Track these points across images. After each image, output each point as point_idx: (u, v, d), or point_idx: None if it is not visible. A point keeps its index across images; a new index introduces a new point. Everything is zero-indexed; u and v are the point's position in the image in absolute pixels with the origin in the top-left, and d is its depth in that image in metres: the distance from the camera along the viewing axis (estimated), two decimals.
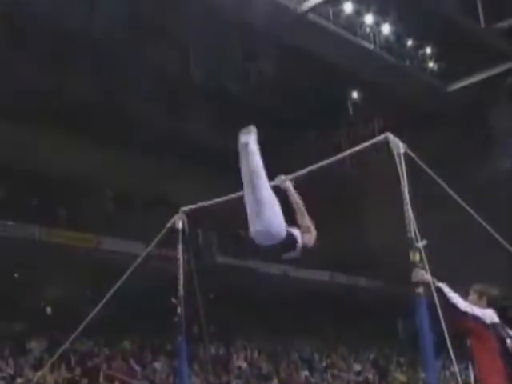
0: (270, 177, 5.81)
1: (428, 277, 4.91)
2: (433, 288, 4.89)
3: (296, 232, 5.82)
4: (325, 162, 6.04)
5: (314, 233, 6.07)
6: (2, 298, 18.08)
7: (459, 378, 5.03)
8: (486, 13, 23.05)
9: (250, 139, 5.48)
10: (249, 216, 5.54)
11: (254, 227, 5.51)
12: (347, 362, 22.85)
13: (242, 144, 5.51)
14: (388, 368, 23.17)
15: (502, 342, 5.31)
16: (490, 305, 5.54)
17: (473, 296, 5.59)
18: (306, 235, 5.95)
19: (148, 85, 21.47)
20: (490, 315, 5.38)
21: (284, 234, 5.58)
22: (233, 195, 6.56)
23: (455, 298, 5.29)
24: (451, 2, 22.83)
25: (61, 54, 20.00)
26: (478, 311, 5.34)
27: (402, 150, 5.20)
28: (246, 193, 5.51)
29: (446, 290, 5.23)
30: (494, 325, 5.33)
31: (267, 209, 5.44)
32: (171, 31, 20.56)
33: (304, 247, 5.88)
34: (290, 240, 5.70)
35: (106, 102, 21.46)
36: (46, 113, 20.44)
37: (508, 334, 5.38)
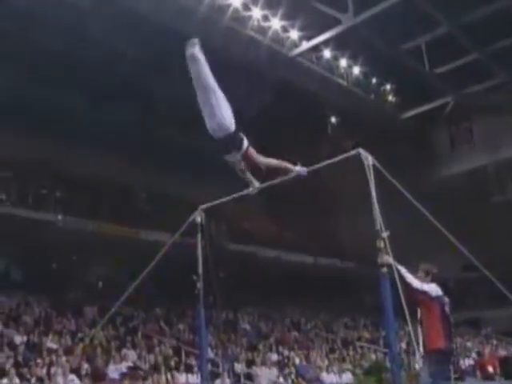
0: None
1: (390, 260, 4.87)
2: (394, 269, 4.86)
3: (245, 140, 5.13)
4: (311, 168, 5.72)
5: (272, 162, 5.33)
6: (63, 274, 18.21)
7: (412, 335, 5.03)
8: (429, 60, 23.01)
9: (194, 50, 4.79)
10: (205, 114, 4.91)
11: (210, 121, 4.92)
12: (327, 324, 22.77)
13: (189, 55, 4.80)
14: (357, 328, 23.08)
15: (443, 309, 5.47)
16: (433, 280, 5.62)
17: (421, 273, 5.66)
18: (258, 154, 5.21)
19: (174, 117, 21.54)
20: (434, 289, 5.49)
21: (233, 127, 4.98)
22: (234, 195, 6.51)
23: (410, 277, 5.36)
24: (405, 51, 22.80)
25: None
26: (426, 287, 5.44)
27: (370, 162, 5.17)
28: (199, 95, 4.87)
29: (403, 270, 5.26)
30: (438, 297, 5.45)
31: (220, 103, 4.88)
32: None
33: (249, 162, 5.25)
34: (238, 139, 5.07)
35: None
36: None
37: (446, 302, 5.53)
